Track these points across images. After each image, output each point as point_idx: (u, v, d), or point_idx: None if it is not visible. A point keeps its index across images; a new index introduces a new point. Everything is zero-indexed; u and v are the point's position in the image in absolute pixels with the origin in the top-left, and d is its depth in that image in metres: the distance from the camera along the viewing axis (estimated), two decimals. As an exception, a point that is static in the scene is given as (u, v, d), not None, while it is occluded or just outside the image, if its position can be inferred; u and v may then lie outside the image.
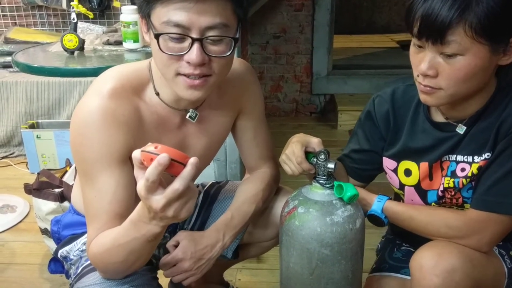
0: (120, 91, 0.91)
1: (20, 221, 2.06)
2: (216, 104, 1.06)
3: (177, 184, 0.72)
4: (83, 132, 0.90)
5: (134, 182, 0.78)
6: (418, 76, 0.95)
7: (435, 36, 0.87)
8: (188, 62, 0.85)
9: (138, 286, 0.94)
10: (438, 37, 0.87)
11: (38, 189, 1.72)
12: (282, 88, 3.47)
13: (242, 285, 1.58)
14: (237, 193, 1.17)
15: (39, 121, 2.58)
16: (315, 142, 1.01)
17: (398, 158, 1.10)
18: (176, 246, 1.05)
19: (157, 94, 0.97)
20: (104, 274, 0.93)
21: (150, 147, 0.71)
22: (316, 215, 0.98)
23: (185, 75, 0.87)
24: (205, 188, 1.28)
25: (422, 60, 0.91)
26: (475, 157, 0.99)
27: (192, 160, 0.72)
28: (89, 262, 0.98)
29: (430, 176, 1.06)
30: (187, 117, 1.00)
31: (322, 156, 0.98)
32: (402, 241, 1.23)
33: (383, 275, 1.19)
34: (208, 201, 1.25)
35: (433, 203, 1.07)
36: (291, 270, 1.05)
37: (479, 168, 0.98)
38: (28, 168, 2.53)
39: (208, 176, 1.65)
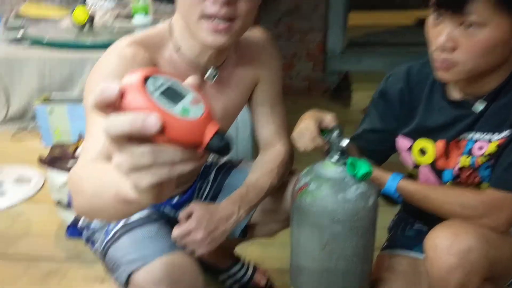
0: (139, 43, 0.92)
1: (35, 193, 2.08)
2: (236, 68, 1.06)
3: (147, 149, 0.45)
4: (96, 70, 0.89)
5: None
6: (434, 51, 0.92)
7: (455, 5, 0.85)
8: (213, 1, 0.84)
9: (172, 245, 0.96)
10: (458, 6, 0.84)
11: (51, 162, 1.75)
12: (295, 66, 3.43)
13: (253, 258, 1.59)
14: (253, 169, 1.16)
15: (52, 95, 2.59)
16: (329, 118, 1.00)
17: (413, 136, 1.09)
18: (188, 217, 1.05)
19: (178, 49, 0.96)
20: (75, 208, 0.74)
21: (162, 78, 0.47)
22: (328, 192, 0.98)
23: (209, 17, 0.86)
24: (218, 165, 1.29)
25: (440, 33, 0.89)
26: (494, 135, 0.97)
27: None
28: (120, 225, 1.00)
29: (446, 155, 1.04)
30: (206, 76, 1.00)
31: (336, 132, 0.97)
32: (415, 219, 1.22)
33: (394, 252, 1.19)
34: (220, 177, 1.25)
35: (449, 183, 1.06)
36: (301, 246, 1.05)
37: (497, 146, 0.96)
38: (42, 142, 2.55)
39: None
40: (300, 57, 3.41)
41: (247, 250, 1.63)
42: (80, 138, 1.95)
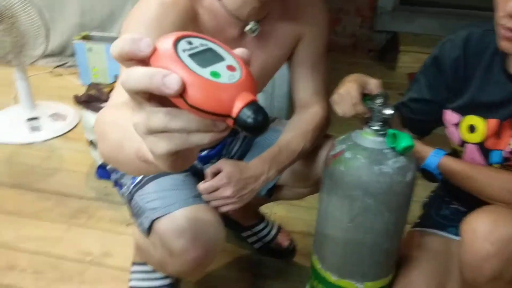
0: None
1: (69, 130, 2.11)
2: (279, 23, 1.00)
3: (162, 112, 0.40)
4: (134, 12, 0.85)
5: None
6: (502, 17, 0.82)
7: None
8: None
9: (196, 197, 0.94)
10: None
11: (87, 101, 1.74)
12: (341, 21, 3.27)
13: (278, 219, 1.57)
14: (287, 129, 1.11)
15: (92, 33, 2.57)
16: (373, 84, 0.92)
17: (463, 111, 1.00)
18: (216, 174, 1.02)
19: None
20: (100, 153, 0.70)
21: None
22: (364, 162, 0.92)
23: None
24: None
25: None
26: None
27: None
28: None
29: (498, 135, 0.96)
30: (246, 29, 0.95)
31: (380, 100, 0.90)
32: (452, 199, 1.16)
33: (426, 231, 1.14)
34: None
35: (495, 165, 0.98)
36: (329, 215, 1.01)
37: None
38: (79, 80, 2.56)
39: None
40: (348, 12, 3.24)
41: (273, 210, 1.61)
42: (116, 80, 1.93)
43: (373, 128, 0.93)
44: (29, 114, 2.11)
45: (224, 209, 1.02)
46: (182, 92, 0.37)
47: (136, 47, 0.38)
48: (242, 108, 0.37)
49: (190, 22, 0.87)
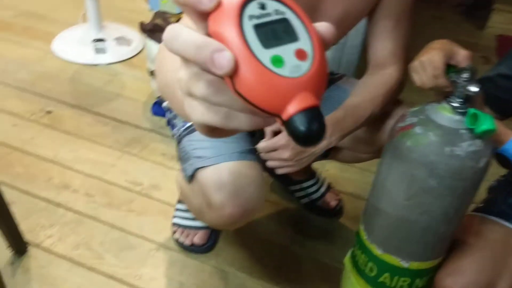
0: None
1: (133, 56, 2.11)
2: None
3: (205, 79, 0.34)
4: None
5: None
6: None
7: None
8: None
9: (242, 153, 0.91)
10: None
11: (152, 30, 1.71)
12: (429, -31, 2.99)
13: (329, 176, 1.52)
14: (355, 91, 1.03)
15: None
16: (462, 55, 0.82)
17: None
18: (276, 133, 0.97)
19: None
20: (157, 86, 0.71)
21: None
22: (435, 140, 0.83)
23: None
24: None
25: None
26: None
27: None
28: None
29: None
30: None
31: (466, 75, 0.80)
32: (525, 189, 1.05)
33: (489, 218, 1.05)
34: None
35: None
36: (386, 188, 0.95)
37: None
38: (148, 4, 2.53)
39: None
40: (437, -40, 2.95)
41: (325, 166, 1.56)
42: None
43: (453, 104, 0.83)
44: (96, 35, 2.12)
45: (280, 171, 0.99)
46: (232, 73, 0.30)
47: (195, 1, 0.31)
48: (296, 113, 0.30)
49: None
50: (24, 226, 1.20)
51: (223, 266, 1.20)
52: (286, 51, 0.31)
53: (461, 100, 0.82)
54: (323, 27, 0.33)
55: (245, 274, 1.19)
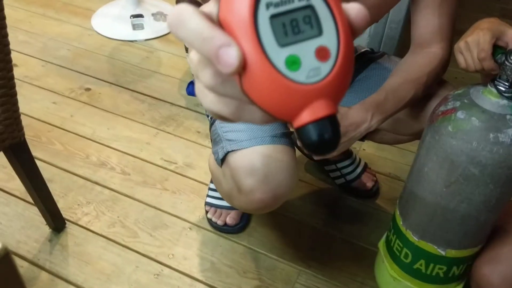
0: None
1: (170, 32, 2.10)
2: None
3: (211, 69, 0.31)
4: None
5: None
6: None
7: None
8: None
9: (275, 137, 0.89)
10: None
11: (188, 4, 1.69)
12: None
13: (365, 156, 1.48)
14: (397, 71, 0.98)
15: None
16: (511, 36, 0.76)
17: None
18: None
19: None
20: None
21: None
22: (478, 126, 0.79)
23: None
24: (356, 54, 1.11)
25: None
26: None
27: None
28: None
29: None
30: None
31: (515, 57, 0.74)
32: None
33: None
34: (355, 69, 1.09)
35: None
36: (424, 174, 0.91)
37: None
38: (186, -22, 2.50)
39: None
40: None
41: (362, 145, 1.52)
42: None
43: (499, 88, 0.78)
44: (134, 11, 2.12)
45: (317, 157, 0.96)
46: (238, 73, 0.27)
47: None
48: (309, 123, 0.27)
49: None
50: (62, 203, 1.24)
51: (255, 246, 1.20)
52: (306, 49, 0.27)
53: (508, 83, 0.76)
54: (355, 10, 0.29)
55: (277, 255, 1.18)
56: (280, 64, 0.26)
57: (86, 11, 2.18)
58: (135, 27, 2.07)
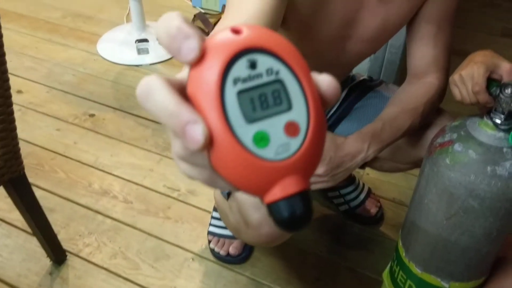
0: None
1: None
2: None
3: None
4: None
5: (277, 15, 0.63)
6: None
7: None
8: None
9: None
10: None
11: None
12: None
13: (369, 180, 1.47)
14: (394, 100, 0.98)
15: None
16: (505, 69, 0.75)
17: None
18: None
19: None
20: None
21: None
22: (476, 159, 0.77)
23: None
24: (353, 82, 1.11)
25: None
26: None
27: None
28: None
29: None
30: None
31: (509, 90, 0.73)
32: None
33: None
34: (352, 98, 1.09)
35: None
36: (424, 206, 0.89)
37: None
38: (190, 1, 2.53)
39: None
40: None
41: (365, 170, 1.51)
42: (223, 10, 1.86)
43: (495, 120, 0.77)
44: (139, 35, 2.15)
45: (315, 186, 0.95)
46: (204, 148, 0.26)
47: (176, 46, 0.26)
48: (279, 200, 0.27)
49: None
50: (64, 234, 1.24)
51: (258, 277, 1.18)
52: (274, 125, 0.27)
53: (504, 116, 0.76)
54: (326, 82, 0.29)
55: (281, 286, 1.17)
56: (248, 141, 0.26)
57: (92, 36, 2.21)
58: (140, 51, 2.09)
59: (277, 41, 0.28)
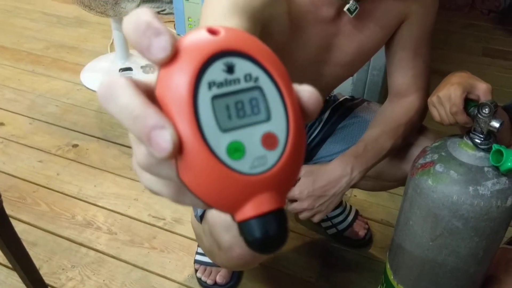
0: None
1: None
2: (381, 1, 0.87)
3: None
4: None
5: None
6: None
7: None
8: None
9: None
10: None
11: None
12: (460, -25, 2.89)
13: (357, 202, 1.47)
14: (376, 122, 0.99)
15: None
16: (481, 89, 0.76)
17: None
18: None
19: None
20: None
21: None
22: (457, 179, 0.78)
23: None
24: (335, 103, 1.12)
25: None
26: None
27: None
28: None
29: None
30: (345, 9, 0.82)
31: (486, 110, 0.74)
32: None
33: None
34: (334, 118, 1.09)
35: None
36: (409, 228, 0.89)
37: None
38: (174, 29, 2.55)
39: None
40: (468, -35, 2.85)
41: (353, 192, 1.51)
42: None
43: (475, 140, 0.78)
44: (123, 64, 2.15)
45: (315, 219, 0.95)
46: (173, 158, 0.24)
47: (145, 42, 0.23)
48: (251, 218, 0.25)
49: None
50: (46, 268, 1.21)
51: (246, 305, 1.16)
52: (251, 135, 0.24)
53: (482, 135, 0.76)
54: (307, 93, 0.27)
55: (268, 313, 1.15)
56: (221, 151, 0.24)
57: (76, 66, 2.21)
58: (123, 80, 2.09)
59: (257, 46, 0.25)
